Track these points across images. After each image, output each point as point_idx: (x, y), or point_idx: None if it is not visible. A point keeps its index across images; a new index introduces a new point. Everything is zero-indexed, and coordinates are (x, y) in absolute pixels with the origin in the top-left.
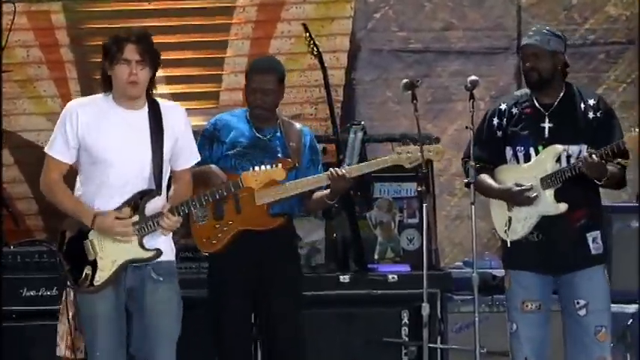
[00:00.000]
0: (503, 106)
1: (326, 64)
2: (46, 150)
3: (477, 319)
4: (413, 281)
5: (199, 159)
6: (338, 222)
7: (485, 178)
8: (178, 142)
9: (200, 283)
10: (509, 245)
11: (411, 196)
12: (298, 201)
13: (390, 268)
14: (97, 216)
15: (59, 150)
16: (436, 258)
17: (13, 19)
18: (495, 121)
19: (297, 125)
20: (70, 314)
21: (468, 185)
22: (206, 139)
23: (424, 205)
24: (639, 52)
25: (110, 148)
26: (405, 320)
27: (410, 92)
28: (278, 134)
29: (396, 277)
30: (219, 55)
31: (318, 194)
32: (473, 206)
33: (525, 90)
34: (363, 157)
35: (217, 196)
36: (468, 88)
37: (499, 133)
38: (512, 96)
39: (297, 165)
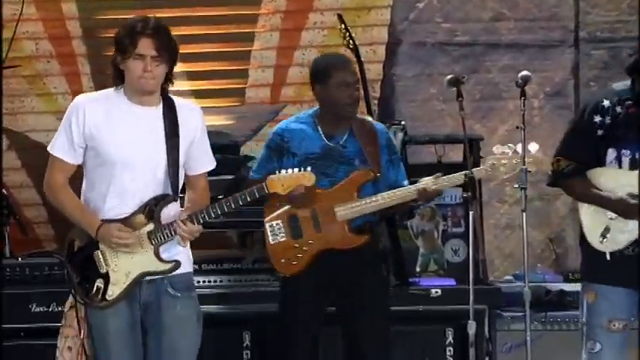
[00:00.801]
0: (605, 103)
1: (362, 58)
2: (48, 149)
3: (528, 338)
4: (458, 296)
5: (214, 165)
6: (376, 231)
7: (584, 181)
8: (194, 145)
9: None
10: (608, 257)
11: (457, 203)
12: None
13: (433, 281)
14: (102, 226)
15: (63, 149)
16: (484, 271)
17: (22, 9)
18: (597, 118)
19: (369, 122)
20: (83, 332)
21: (554, 184)
22: (273, 151)
23: (471, 212)
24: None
25: (121, 148)
26: (450, 339)
27: (455, 89)
28: (351, 138)
29: (439, 291)
30: (245, 49)
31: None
32: (524, 214)
33: (625, 83)
34: (403, 161)
35: (240, 202)
36: (520, 85)
37: (600, 132)
38: (611, 91)
39: (377, 175)
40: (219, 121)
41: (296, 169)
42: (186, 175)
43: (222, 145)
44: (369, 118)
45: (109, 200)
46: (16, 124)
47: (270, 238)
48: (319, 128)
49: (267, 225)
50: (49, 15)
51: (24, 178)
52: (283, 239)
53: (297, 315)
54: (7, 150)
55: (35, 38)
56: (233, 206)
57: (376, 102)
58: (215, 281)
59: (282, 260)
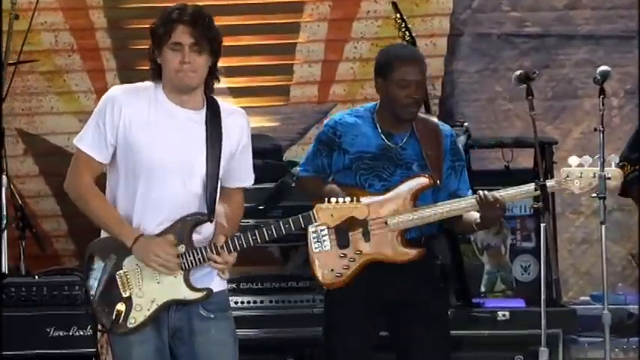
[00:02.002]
0: None
1: (421, 52)
2: (75, 142)
3: None
4: (528, 319)
5: (252, 181)
6: (436, 246)
7: None
8: (236, 157)
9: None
10: None
11: (526, 215)
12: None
13: (500, 303)
14: (141, 238)
15: (92, 145)
16: (557, 291)
17: None
18: None
19: (434, 123)
20: None
21: (622, 193)
22: (323, 144)
23: (542, 225)
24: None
25: (157, 153)
26: None
27: (524, 86)
28: (412, 141)
29: (507, 314)
30: (290, 41)
31: (468, 216)
32: (603, 226)
33: None
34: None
35: (283, 231)
36: (598, 81)
37: None
38: None
39: (438, 183)
40: (260, 122)
41: (347, 199)
42: (222, 187)
43: (264, 150)
44: (435, 119)
45: (135, 213)
46: (33, 126)
47: (314, 246)
48: (378, 125)
49: (310, 230)
50: (69, 4)
51: (42, 186)
52: (328, 248)
53: (345, 344)
54: (23, 155)
55: (54, 30)
56: (275, 235)
57: (437, 102)
58: (254, 302)
59: (325, 271)
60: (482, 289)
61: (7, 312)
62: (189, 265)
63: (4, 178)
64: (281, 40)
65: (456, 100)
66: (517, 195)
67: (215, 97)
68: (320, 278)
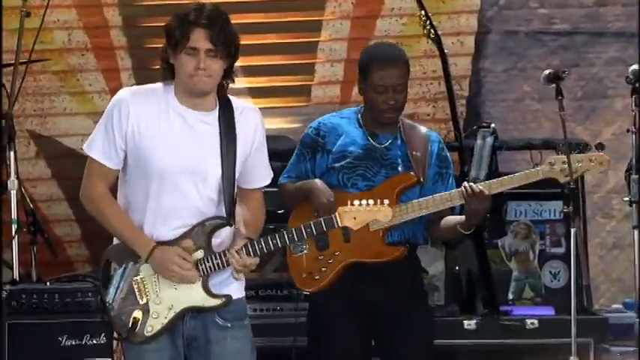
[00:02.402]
0: None
1: (447, 50)
2: (84, 148)
3: None
4: (558, 328)
5: (270, 179)
6: (462, 251)
7: None
8: (251, 156)
9: (291, 328)
10: None
11: (556, 219)
12: (423, 226)
13: (529, 310)
14: (157, 248)
15: (102, 151)
16: (588, 298)
17: None
18: None
19: (422, 129)
20: None
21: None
22: (306, 147)
23: (572, 230)
24: None
25: (164, 157)
26: None
27: (554, 86)
28: (398, 141)
29: (536, 322)
30: (311, 40)
31: (449, 219)
32: (636, 231)
33: None
34: (493, 169)
35: (305, 235)
36: (630, 81)
37: None
38: None
39: (421, 180)
40: (280, 123)
41: (371, 201)
42: (239, 188)
43: (283, 152)
44: (424, 128)
45: (147, 219)
46: (46, 127)
47: (292, 249)
48: (363, 125)
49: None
50: (83, 1)
51: (54, 190)
52: (305, 251)
53: (329, 349)
54: (34, 157)
55: (67, 28)
56: (296, 239)
57: (464, 102)
58: (273, 309)
59: (304, 275)
60: (510, 296)
61: (18, 320)
62: (207, 271)
63: (15, 181)
64: (302, 38)
65: (482, 100)
66: (522, 179)
67: (229, 95)
68: (298, 283)
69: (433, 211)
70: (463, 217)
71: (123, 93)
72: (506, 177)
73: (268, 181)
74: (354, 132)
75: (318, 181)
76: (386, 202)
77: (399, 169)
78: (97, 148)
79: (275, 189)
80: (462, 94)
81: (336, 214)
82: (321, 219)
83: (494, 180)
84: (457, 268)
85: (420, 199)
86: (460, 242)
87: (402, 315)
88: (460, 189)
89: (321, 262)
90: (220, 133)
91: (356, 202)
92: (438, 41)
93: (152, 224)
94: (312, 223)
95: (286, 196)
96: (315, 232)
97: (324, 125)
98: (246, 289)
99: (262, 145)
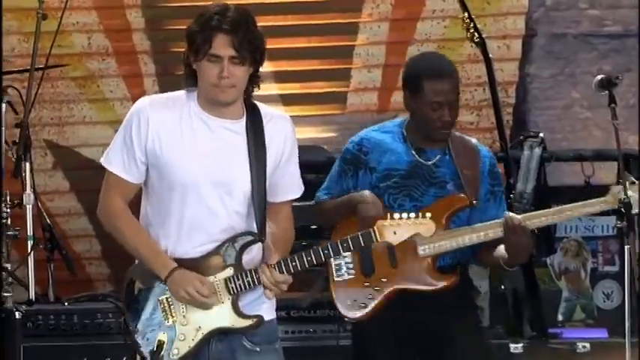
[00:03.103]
0: None
1: (492, 55)
2: (102, 162)
3: None
4: (611, 352)
5: (302, 192)
6: (466, 273)
7: None
8: (281, 167)
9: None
10: None
11: (609, 235)
12: (473, 249)
13: (580, 333)
14: (176, 270)
15: (121, 164)
16: None
17: None
18: None
19: (472, 142)
20: None
21: None
22: (348, 164)
23: (627, 247)
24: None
25: (192, 169)
26: None
27: (607, 93)
28: (447, 157)
29: (587, 345)
30: (347, 43)
31: (500, 250)
32: None
33: None
34: (542, 182)
35: (341, 250)
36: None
37: None
38: None
39: (474, 203)
40: (314, 133)
41: (412, 215)
42: (268, 201)
43: (317, 163)
44: (473, 139)
45: (171, 235)
46: (64, 137)
47: (335, 274)
48: (408, 141)
49: (331, 260)
50: (104, 2)
51: (72, 203)
52: (351, 276)
53: None
54: (51, 169)
55: (87, 31)
56: (332, 255)
57: (510, 110)
58: (307, 332)
59: (349, 302)
60: (560, 317)
61: (35, 342)
62: (237, 290)
63: (31, 194)
64: (337, 42)
65: (528, 108)
66: (582, 210)
67: (257, 102)
68: (342, 310)
69: (481, 241)
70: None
71: (141, 102)
72: (551, 210)
73: (299, 194)
74: (399, 148)
75: (367, 192)
76: (428, 215)
77: (449, 187)
78: (116, 162)
79: (308, 202)
80: (508, 102)
81: (375, 227)
82: (359, 234)
83: (535, 213)
84: (503, 287)
85: (468, 229)
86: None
87: (453, 340)
88: (501, 220)
89: (367, 289)
90: (248, 142)
91: (396, 216)
92: (482, 45)
93: (176, 240)
94: (349, 237)
95: (325, 214)
96: (352, 248)
97: (367, 141)
98: (278, 309)
99: (293, 156)
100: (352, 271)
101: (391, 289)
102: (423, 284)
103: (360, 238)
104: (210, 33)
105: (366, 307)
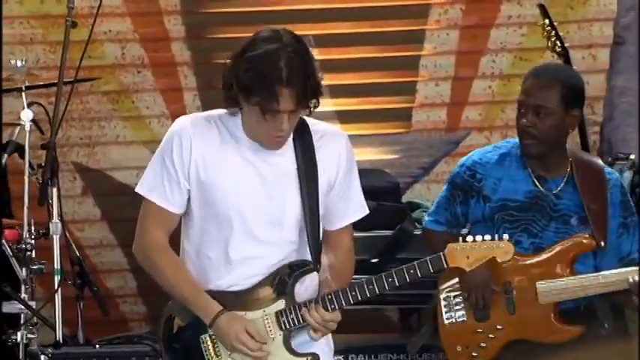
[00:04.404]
0: None
1: (576, 66)
2: (140, 191)
3: None
4: None
5: (366, 212)
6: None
7: None
8: (336, 189)
9: None
10: None
11: None
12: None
13: None
14: (222, 315)
15: (162, 192)
16: None
17: None
18: None
19: (598, 166)
20: None
21: None
22: (458, 189)
23: None
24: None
25: (237, 197)
26: None
27: None
28: (570, 187)
29: None
30: (412, 53)
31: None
32: None
33: None
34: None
35: (407, 278)
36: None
37: None
38: None
39: (601, 245)
40: (374, 154)
41: (487, 237)
42: (324, 230)
43: (378, 189)
44: (599, 161)
45: (215, 267)
46: (95, 159)
47: (445, 317)
48: (529, 166)
49: (442, 297)
50: (139, 8)
51: (104, 234)
52: (462, 319)
53: None
54: (81, 195)
55: (121, 40)
56: (397, 283)
57: (598, 129)
58: None
59: (459, 348)
60: None
61: None
62: (289, 325)
63: (59, 223)
64: (401, 52)
65: (616, 125)
66: None
67: (306, 118)
68: (451, 357)
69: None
70: None
71: (182, 122)
72: None
73: (361, 215)
74: (517, 174)
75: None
76: (505, 236)
77: (572, 222)
78: (157, 189)
79: (366, 234)
80: (595, 119)
81: (446, 251)
82: (427, 259)
83: None
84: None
85: (604, 274)
86: None
87: None
88: (629, 276)
89: (481, 336)
90: (298, 165)
91: (469, 238)
92: (565, 55)
93: (222, 272)
94: (416, 264)
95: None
96: (419, 274)
97: (480, 166)
98: (335, 352)
99: (350, 176)
100: (464, 315)
101: (507, 337)
102: (543, 336)
103: (429, 264)
104: (271, 89)
105: (478, 356)
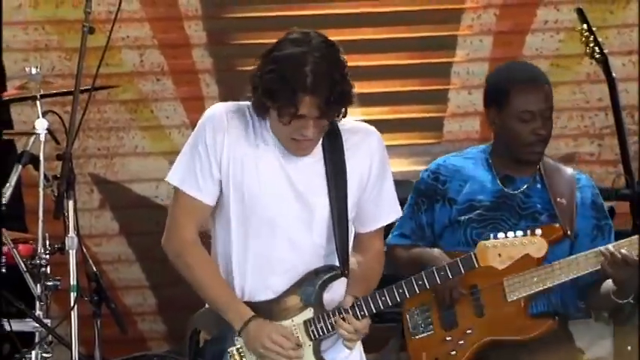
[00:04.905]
0: None
1: (616, 74)
2: (170, 180)
3: None
4: None
5: (400, 214)
6: (635, 326)
7: None
8: (368, 189)
9: None
10: None
11: None
12: (574, 292)
13: None
14: (253, 321)
15: (194, 182)
16: None
17: (119, 3)
18: None
19: (568, 171)
20: None
21: None
22: (422, 195)
23: None
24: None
25: (267, 200)
26: None
27: None
28: (538, 186)
29: None
30: (444, 60)
31: (605, 285)
32: None
33: None
34: None
35: (438, 280)
36: None
37: None
38: None
39: (568, 234)
40: (404, 165)
41: (520, 233)
42: (355, 232)
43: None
44: (569, 168)
45: (238, 271)
46: (112, 170)
47: (412, 331)
48: (493, 168)
49: (406, 313)
50: (159, 13)
51: (123, 248)
52: (430, 332)
53: None
54: (98, 208)
55: (140, 46)
56: (427, 286)
57: (637, 139)
58: None
59: None
60: None
61: None
62: (319, 334)
63: (75, 238)
64: (432, 58)
65: None
66: None
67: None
68: None
69: (580, 274)
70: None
71: (217, 111)
72: None
73: (394, 218)
74: (482, 176)
75: (437, 251)
76: (538, 232)
77: (542, 219)
78: (189, 179)
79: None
80: (635, 129)
81: (476, 250)
82: (457, 259)
83: None
84: (629, 348)
85: (562, 261)
86: (633, 314)
87: None
88: (596, 250)
89: (449, 344)
90: (326, 165)
91: (500, 235)
92: (604, 62)
93: (243, 277)
94: (446, 265)
95: (397, 264)
96: (450, 275)
97: (444, 168)
98: None
99: (383, 174)
100: (430, 327)
101: (478, 342)
102: (514, 333)
103: (460, 265)
104: (295, 96)
105: None
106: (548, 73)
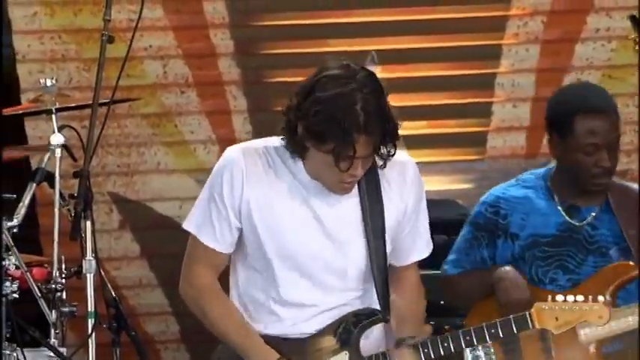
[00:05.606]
0: None
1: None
2: (187, 227)
3: None
4: None
5: (430, 251)
6: None
7: None
8: (404, 224)
9: None
10: None
11: None
12: None
13: None
14: None
15: (211, 231)
16: None
17: (141, 11)
18: None
19: (636, 188)
20: None
21: None
22: (481, 230)
23: None
24: None
25: (293, 240)
26: None
27: None
28: (607, 215)
29: None
30: (487, 71)
31: None
32: None
33: None
34: None
35: (488, 338)
36: None
37: None
38: None
39: None
40: (445, 183)
41: (580, 297)
42: (390, 265)
43: (449, 222)
44: (636, 186)
45: (273, 313)
46: (133, 189)
47: None
48: (555, 197)
49: (467, 350)
50: (184, 21)
51: (144, 272)
52: None
53: None
54: (118, 229)
55: (163, 56)
56: (476, 342)
57: None
58: None
59: None
60: None
61: None
62: None
63: (93, 261)
64: (475, 69)
65: None
66: None
67: None
68: None
69: None
70: None
71: (233, 152)
72: None
73: (427, 253)
74: (545, 207)
75: (508, 269)
76: (600, 298)
77: (612, 254)
78: (205, 228)
79: (433, 271)
80: None
81: (532, 311)
82: (511, 317)
83: None
84: None
85: (632, 306)
86: None
87: None
88: None
89: None
90: (362, 203)
91: (559, 298)
92: None
93: (279, 318)
94: (498, 322)
95: (456, 290)
96: (501, 334)
97: (503, 201)
98: None
99: (418, 208)
100: None
101: None
102: None
103: (512, 324)
104: (348, 137)
105: None
106: (600, 85)
